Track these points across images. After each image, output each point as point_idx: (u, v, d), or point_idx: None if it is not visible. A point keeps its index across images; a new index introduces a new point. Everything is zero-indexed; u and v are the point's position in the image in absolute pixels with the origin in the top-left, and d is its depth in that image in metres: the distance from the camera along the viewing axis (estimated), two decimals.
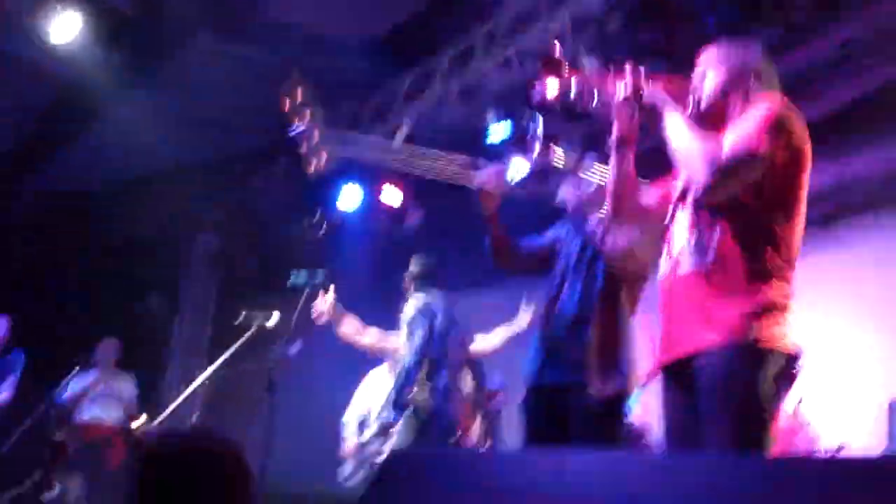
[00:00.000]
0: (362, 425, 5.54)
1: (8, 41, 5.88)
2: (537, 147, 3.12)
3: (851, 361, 6.23)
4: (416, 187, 7.50)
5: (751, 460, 1.78)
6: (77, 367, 6.33)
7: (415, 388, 4.79)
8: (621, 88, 2.59)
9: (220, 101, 6.77)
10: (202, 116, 6.99)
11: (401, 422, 4.76)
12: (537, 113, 3.09)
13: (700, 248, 2.46)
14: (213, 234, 9.05)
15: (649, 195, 2.79)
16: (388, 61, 6.51)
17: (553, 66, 2.67)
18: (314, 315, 5.02)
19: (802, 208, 2.50)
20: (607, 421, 3.23)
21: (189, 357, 8.67)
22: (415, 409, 4.76)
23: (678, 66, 5.25)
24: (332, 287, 5.06)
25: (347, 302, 7.77)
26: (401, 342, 4.89)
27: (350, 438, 5.64)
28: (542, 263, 3.54)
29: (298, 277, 4.79)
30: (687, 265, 2.48)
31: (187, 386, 5.63)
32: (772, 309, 2.35)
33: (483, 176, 3.41)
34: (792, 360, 2.38)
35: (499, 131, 6.27)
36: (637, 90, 2.58)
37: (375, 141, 4.65)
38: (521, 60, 5.85)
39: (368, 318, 5.44)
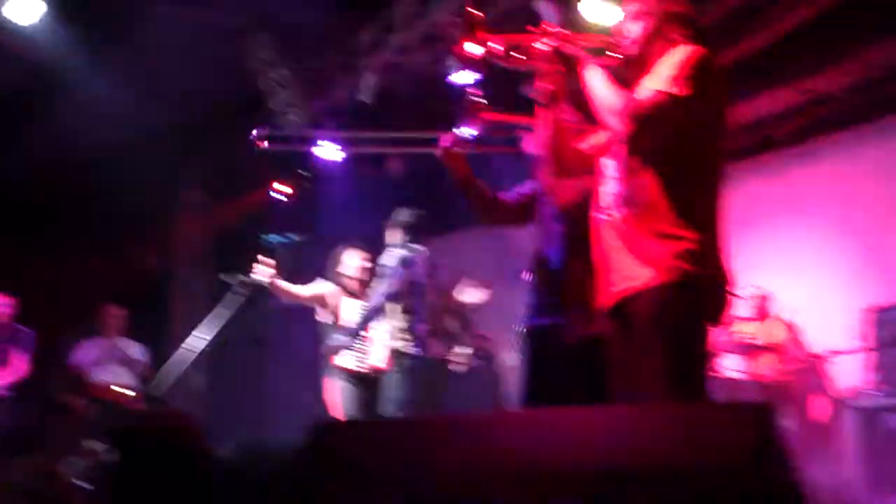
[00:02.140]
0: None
1: None
2: (478, 104, 3.22)
3: (835, 271, 6.61)
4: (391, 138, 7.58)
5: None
6: (80, 338, 6.48)
7: (394, 338, 5.08)
8: (544, 46, 2.73)
9: (186, 65, 6.79)
10: (170, 82, 7.03)
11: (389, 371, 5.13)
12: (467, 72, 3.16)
13: (628, 195, 2.60)
14: (197, 192, 9.17)
15: (585, 144, 2.90)
16: (347, 14, 6.52)
17: (475, 27, 2.76)
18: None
19: (719, 152, 2.65)
20: (593, 357, 3.36)
21: (188, 319, 8.89)
22: (397, 358, 5.06)
23: None
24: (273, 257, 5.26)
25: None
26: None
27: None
28: (531, 211, 3.55)
29: (272, 239, 4.96)
30: (616, 212, 2.63)
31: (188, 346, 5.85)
32: (699, 246, 2.50)
33: (442, 142, 3.48)
34: (720, 289, 2.57)
35: (462, 77, 6.34)
36: (558, 47, 2.72)
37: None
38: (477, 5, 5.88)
39: None
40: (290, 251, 5.02)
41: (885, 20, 5.51)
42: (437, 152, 3.48)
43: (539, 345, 3.40)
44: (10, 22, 5.83)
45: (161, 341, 8.61)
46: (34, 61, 6.40)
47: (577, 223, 3.30)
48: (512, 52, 2.79)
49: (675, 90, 2.50)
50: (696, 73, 2.51)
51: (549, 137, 2.82)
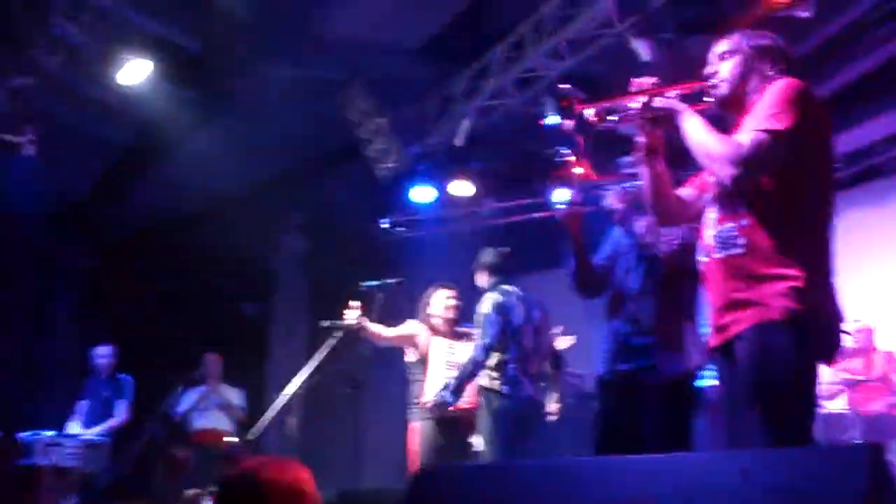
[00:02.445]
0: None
1: (85, 85, 6.26)
2: (574, 167, 3.26)
3: None
4: (485, 178, 7.63)
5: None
6: (181, 386, 6.69)
7: (486, 377, 5.01)
8: (636, 104, 2.67)
9: (287, 119, 7.03)
10: (272, 137, 7.27)
11: (479, 411, 5.05)
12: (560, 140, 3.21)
13: (730, 236, 2.55)
14: (299, 238, 9.39)
15: (686, 191, 2.87)
16: (443, 61, 6.63)
17: (566, 101, 2.75)
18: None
19: (824, 185, 2.57)
20: (676, 398, 3.38)
21: (287, 363, 9.05)
22: (487, 397, 4.99)
23: (726, 35, 5.24)
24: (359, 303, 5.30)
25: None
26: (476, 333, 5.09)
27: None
28: (608, 281, 3.67)
29: (371, 285, 5.02)
30: (718, 254, 2.57)
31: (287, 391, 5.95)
32: (804, 283, 2.41)
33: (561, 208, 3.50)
34: (827, 329, 2.46)
35: (554, 120, 6.33)
36: (651, 102, 2.66)
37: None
38: (572, 47, 5.89)
39: None
40: (387, 295, 5.04)
41: None
42: (560, 213, 3.49)
43: (625, 388, 3.43)
44: (119, 84, 6.10)
45: (261, 387, 8.79)
46: (142, 119, 6.70)
47: (672, 274, 3.34)
48: (607, 116, 2.75)
49: (775, 126, 2.45)
50: (794, 106, 2.47)
51: (651, 190, 2.79)
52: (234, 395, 7.51)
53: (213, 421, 7.30)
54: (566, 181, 3.31)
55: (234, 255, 8.50)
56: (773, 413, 2.35)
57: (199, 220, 8.11)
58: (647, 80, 2.70)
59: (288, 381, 8.06)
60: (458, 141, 6.81)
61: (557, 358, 5.49)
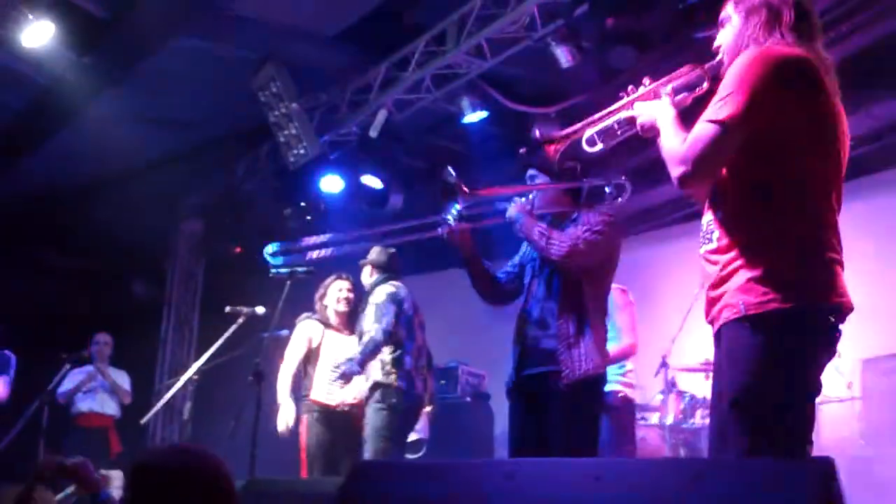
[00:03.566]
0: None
1: None
2: (462, 189, 3.38)
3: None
4: (394, 173, 7.60)
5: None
6: (68, 365, 6.43)
7: (381, 372, 5.09)
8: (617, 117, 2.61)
9: (195, 97, 6.81)
10: (177, 113, 7.04)
11: (370, 405, 5.15)
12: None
13: (707, 230, 2.41)
14: (197, 221, 9.11)
15: None
16: (362, 50, 6.56)
17: (550, 139, 2.76)
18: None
19: (822, 165, 2.30)
20: (582, 400, 3.42)
21: (180, 347, 8.79)
22: (383, 392, 5.05)
23: (648, 48, 5.38)
24: None
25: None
26: (367, 321, 5.26)
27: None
28: (520, 289, 3.73)
29: (281, 272, 4.92)
30: (701, 248, 2.43)
31: (178, 376, 5.81)
32: (794, 275, 2.21)
33: (446, 228, 3.58)
34: (820, 319, 2.22)
35: (474, 117, 6.40)
36: (632, 116, 2.55)
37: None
38: (492, 47, 5.92)
39: None
40: (295, 283, 4.95)
41: None
42: (443, 233, 3.59)
43: (534, 392, 3.48)
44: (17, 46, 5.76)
45: (150, 371, 8.50)
46: (40, 84, 6.37)
47: (569, 276, 3.42)
48: (595, 136, 2.68)
49: (719, 115, 2.21)
50: (752, 86, 2.19)
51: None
52: (122, 378, 7.27)
53: (98, 403, 7.10)
54: (457, 198, 3.39)
55: (129, 233, 8.18)
56: (743, 414, 2.19)
57: (95, 194, 7.74)
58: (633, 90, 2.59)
59: (179, 365, 7.86)
60: (373, 132, 6.75)
61: (430, 356, 5.62)
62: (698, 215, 2.55)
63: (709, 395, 5.77)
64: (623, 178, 3.52)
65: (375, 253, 5.53)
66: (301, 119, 6.75)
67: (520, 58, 5.88)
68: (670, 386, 6.04)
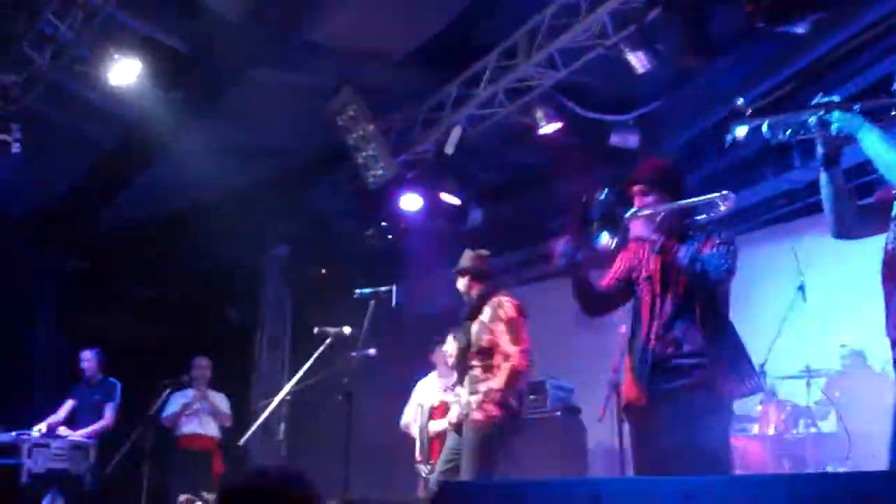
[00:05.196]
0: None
1: (73, 84, 6.18)
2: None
3: None
4: (472, 189, 7.64)
5: None
6: (169, 389, 6.62)
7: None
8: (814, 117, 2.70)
9: (276, 125, 6.99)
10: (260, 142, 7.22)
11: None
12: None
13: None
14: (283, 245, 9.33)
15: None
16: (434, 69, 6.62)
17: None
18: None
19: None
20: (719, 412, 3.29)
21: (273, 368, 9.00)
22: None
23: (721, 49, 5.29)
24: None
25: (417, 300, 7.94)
26: (503, 340, 4.89)
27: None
28: (624, 295, 3.64)
29: (364, 292, 5.00)
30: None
31: (272, 397, 5.91)
32: None
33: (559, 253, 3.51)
34: None
35: (549, 129, 6.38)
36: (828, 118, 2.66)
37: None
38: (563, 57, 5.91)
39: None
40: (378, 303, 5.01)
41: None
42: (563, 263, 3.51)
43: (657, 411, 3.32)
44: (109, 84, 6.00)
45: (245, 393, 8.72)
46: (130, 120, 6.61)
47: (691, 288, 3.30)
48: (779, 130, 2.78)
49: None
50: None
51: (829, 199, 2.81)
52: (222, 401, 7.48)
53: (201, 426, 7.29)
54: (618, 227, 3.36)
55: (220, 260, 8.43)
56: None
57: (185, 224, 8.02)
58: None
59: (272, 387, 8.02)
60: (448, 149, 6.80)
61: None
62: (790, 217, 2.53)
63: (811, 404, 5.62)
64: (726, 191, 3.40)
65: (470, 260, 5.18)
66: (378, 140, 6.86)
67: (592, 66, 5.85)
68: (770, 395, 5.82)
